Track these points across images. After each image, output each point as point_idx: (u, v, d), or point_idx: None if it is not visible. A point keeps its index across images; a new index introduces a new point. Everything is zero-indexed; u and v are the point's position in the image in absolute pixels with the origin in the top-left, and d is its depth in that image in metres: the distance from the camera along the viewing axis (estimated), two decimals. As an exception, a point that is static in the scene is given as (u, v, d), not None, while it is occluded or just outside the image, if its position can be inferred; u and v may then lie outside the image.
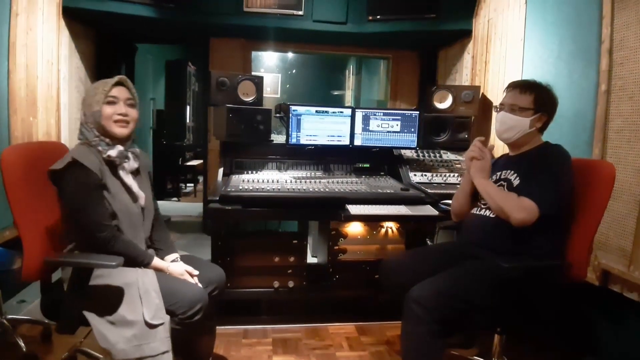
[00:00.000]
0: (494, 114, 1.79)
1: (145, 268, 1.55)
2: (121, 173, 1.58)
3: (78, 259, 1.48)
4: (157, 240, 1.74)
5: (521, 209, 1.50)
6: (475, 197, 1.85)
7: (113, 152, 1.54)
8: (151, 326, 1.38)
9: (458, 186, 1.96)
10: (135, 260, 1.53)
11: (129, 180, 1.61)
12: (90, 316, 1.40)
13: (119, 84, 1.57)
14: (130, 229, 1.57)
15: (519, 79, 2.45)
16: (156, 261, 1.60)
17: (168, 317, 1.42)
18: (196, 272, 1.65)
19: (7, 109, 2.31)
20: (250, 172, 2.52)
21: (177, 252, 1.75)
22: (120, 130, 1.56)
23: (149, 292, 1.43)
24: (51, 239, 1.52)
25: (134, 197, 1.61)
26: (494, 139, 2.74)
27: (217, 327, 2.25)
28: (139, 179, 1.67)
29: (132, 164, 1.63)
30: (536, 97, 1.65)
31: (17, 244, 2.23)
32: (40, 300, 1.52)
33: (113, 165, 1.56)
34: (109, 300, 1.41)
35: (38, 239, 1.46)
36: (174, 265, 1.65)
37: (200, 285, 1.61)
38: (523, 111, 1.65)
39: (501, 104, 1.72)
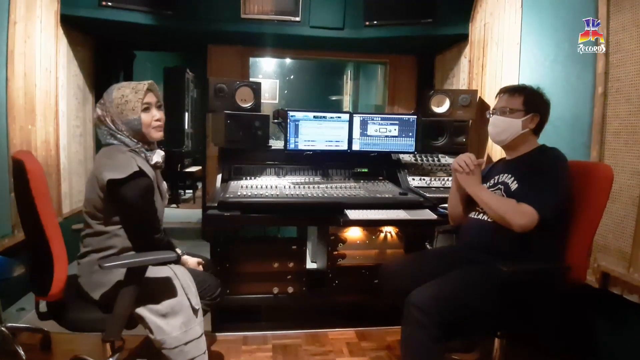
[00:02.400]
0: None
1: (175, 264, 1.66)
2: (159, 176, 1.68)
3: (139, 258, 1.47)
4: None
5: (521, 215, 1.50)
6: (472, 199, 1.85)
7: (159, 158, 1.64)
8: (195, 311, 1.55)
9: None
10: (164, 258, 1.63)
11: (163, 184, 1.72)
12: (144, 312, 1.49)
13: (147, 89, 1.59)
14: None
15: (516, 82, 2.47)
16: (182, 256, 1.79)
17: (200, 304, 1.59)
18: (203, 261, 1.88)
19: (5, 117, 2.31)
20: (248, 178, 2.52)
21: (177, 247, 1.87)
22: (159, 135, 1.64)
23: (187, 282, 1.58)
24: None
25: (163, 198, 1.71)
26: (491, 145, 2.75)
27: (217, 333, 2.28)
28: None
29: (163, 165, 1.71)
30: (526, 98, 1.68)
31: (16, 252, 2.24)
32: (66, 317, 1.49)
33: (153, 169, 1.63)
34: (158, 294, 1.51)
35: (63, 252, 1.42)
36: (189, 258, 1.84)
37: None
38: (514, 113, 1.67)
39: (493, 109, 1.76)
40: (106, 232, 1.53)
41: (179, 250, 1.80)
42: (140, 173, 1.48)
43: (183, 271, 1.61)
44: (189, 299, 1.54)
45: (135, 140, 1.57)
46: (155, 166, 1.62)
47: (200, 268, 1.84)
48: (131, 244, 1.55)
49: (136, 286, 1.44)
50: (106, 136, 1.57)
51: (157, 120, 1.61)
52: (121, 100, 1.54)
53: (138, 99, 1.54)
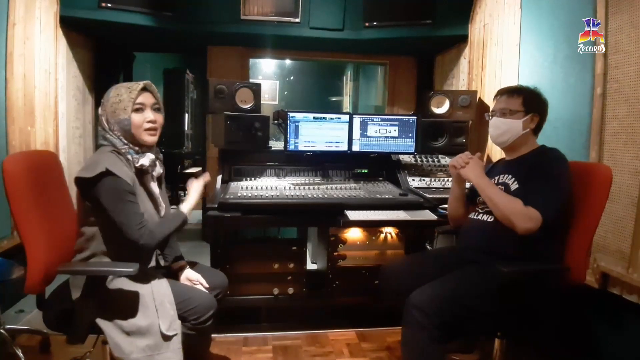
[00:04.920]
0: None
1: (185, 222, 1.58)
2: (149, 181, 1.59)
3: (94, 267, 1.46)
4: (167, 248, 1.76)
5: (528, 219, 1.49)
6: (471, 200, 1.86)
7: (145, 161, 1.53)
8: (166, 337, 1.40)
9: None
10: (178, 229, 1.56)
11: (156, 189, 1.62)
12: (105, 325, 1.40)
13: (143, 89, 1.54)
14: None
15: (515, 83, 2.47)
16: (185, 207, 1.65)
17: (180, 328, 1.44)
18: (207, 285, 1.70)
19: (4, 119, 2.31)
20: (248, 179, 2.52)
21: (184, 259, 1.78)
22: (151, 139, 1.54)
23: (164, 303, 1.45)
24: (55, 249, 1.50)
25: (157, 206, 1.61)
26: (491, 146, 2.75)
27: (217, 335, 2.26)
28: (160, 188, 1.68)
29: (158, 169, 1.64)
30: (525, 99, 1.68)
31: (15, 254, 2.24)
32: (45, 312, 1.50)
33: (141, 173, 1.56)
34: (124, 309, 1.42)
35: (42, 250, 1.44)
36: (187, 273, 1.71)
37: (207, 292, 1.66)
38: (514, 114, 1.68)
39: (492, 111, 1.76)
40: (83, 234, 1.51)
41: (181, 263, 1.73)
42: (108, 173, 1.39)
43: (164, 291, 1.48)
44: (159, 323, 1.41)
45: (125, 142, 1.51)
46: (141, 170, 1.54)
47: (200, 286, 1.69)
48: (106, 249, 1.48)
49: (93, 295, 1.40)
50: (100, 137, 1.54)
51: (150, 122, 1.52)
52: (116, 99, 1.50)
53: (130, 99, 1.49)
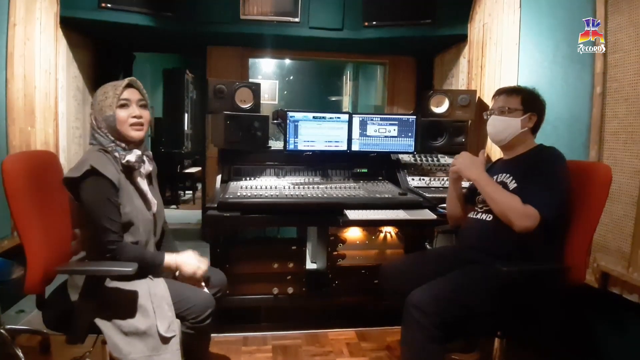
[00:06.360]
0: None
1: (158, 268, 1.53)
2: (137, 178, 1.58)
3: (93, 266, 1.46)
4: (163, 247, 1.75)
5: (526, 217, 1.49)
6: (470, 200, 1.86)
7: (132, 158, 1.53)
8: (164, 339, 1.40)
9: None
10: (147, 264, 1.52)
11: (144, 185, 1.61)
12: (104, 325, 1.40)
13: (129, 85, 1.55)
14: (144, 236, 1.57)
15: (515, 82, 2.47)
16: (167, 258, 1.58)
17: (179, 329, 1.44)
18: (205, 267, 1.64)
19: (5, 119, 2.32)
20: (248, 178, 2.53)
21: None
22: (136, 134, 1.55)
23: (162, 305, 1.44)
24: (54, 249, 1.50)
25: (147, 203, 1.61)
26: (490, 146, 2.75)
27: (216, 334, 2.26)
28: (151, 185, 1.67)
29: (147, 167, 1.63)
30: (524, 98, 1.69)
31: (15, 254, 2.24)
32: (45, 312, 1.50)
33: (129, 170, 1.55)
34: (122, 310, 1.42)
35: (41, 250, 1.44)
36: (184, 257, 1.62)
37: (207, 291, 1.64)
38: (513, 112, 1.69)
39: (491, 109, 1.76)
40: (77, 236, 1.51)
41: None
42: (93, 172, 1.40)
43: (161, 292, 1.47)
44: (157, 324, 1.40)
45: (112, 139, 1.52)
46: (128, 166, 1.53)
47: (203, 276, 1.65)
48: (83, 249, 1.48)
49: (92, 295, 1.40)
50: (90, 137, 1.55)
51: (135, 117, 1.53)
52: (102, 97, 1.52)
53: (115, 95, 1.50)
